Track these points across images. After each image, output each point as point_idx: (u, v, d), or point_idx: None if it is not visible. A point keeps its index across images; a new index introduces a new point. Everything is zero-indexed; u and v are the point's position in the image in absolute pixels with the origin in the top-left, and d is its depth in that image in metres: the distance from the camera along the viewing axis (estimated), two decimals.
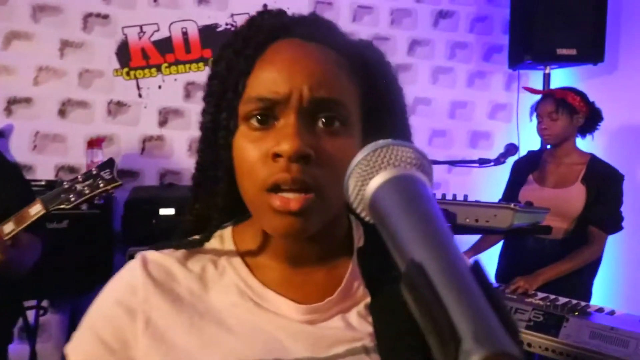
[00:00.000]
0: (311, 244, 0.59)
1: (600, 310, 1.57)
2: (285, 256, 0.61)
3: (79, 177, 1.38)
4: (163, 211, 2.19)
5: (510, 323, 0.28)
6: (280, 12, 0.62)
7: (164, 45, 2.69)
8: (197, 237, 0.63)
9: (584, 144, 2.22)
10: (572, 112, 2.02)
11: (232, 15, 2.78)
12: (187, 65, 2.73)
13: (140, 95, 2.68)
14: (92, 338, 0.58)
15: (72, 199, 1.35)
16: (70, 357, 0.59)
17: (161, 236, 2.41)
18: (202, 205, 0.63)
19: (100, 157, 2.47)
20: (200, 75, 2.74)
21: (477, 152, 3.09)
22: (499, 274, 2.20)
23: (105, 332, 0.58)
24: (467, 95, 3.17)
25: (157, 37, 2.68)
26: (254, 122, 0.55)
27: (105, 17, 2.61)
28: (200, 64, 2.75)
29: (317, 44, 0.57)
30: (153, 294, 0.58)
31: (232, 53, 0.58)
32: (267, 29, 0.58)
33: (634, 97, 2.69)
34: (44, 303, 2.36)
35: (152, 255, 0.61)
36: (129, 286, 0.59)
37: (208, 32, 2.75)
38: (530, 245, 2.04)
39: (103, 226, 2.32)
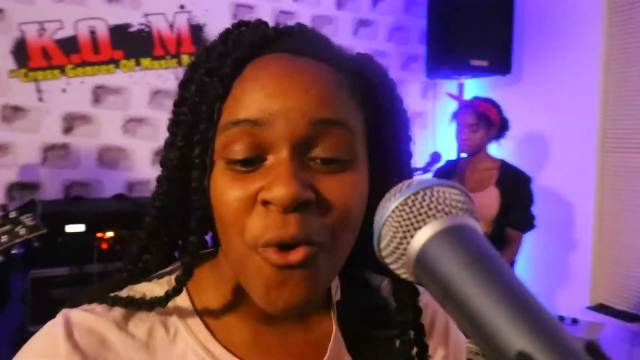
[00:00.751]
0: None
1: None
2: (258, 313, 0.48)
3: None
4: (70, 228, 1.98)
5: None
6: (262, 23, 0.50)
7: (69, 45, 2.46)
8: (145, 292, 0.49)
9: (493, 148, 2.36)
10: (489, 125, 2.14)
11: (146, 15, 2.61)
12: (96, 67, 2.52)
13: (41, 99, 2.42)
14: None
15: None
16: None
17: (68, 257, 2.17)
18: (154, 255, 0.50)
19: None
20: (111, 78, 2.54)
21: None
22: None
23: None
24: None
25: (60, 35, 2.44)
26: (235, 156, 0.43)
27: None
28: (111, 66, 2.55)
29: (310, 58, 0.45)
30: None
31: (204, 74, 0.46)
32: (247, 42, 0.46)
33: (537, 106, 2.89)
34: None
35: (79, 316, 0.47)
36: None
37: (119, 32, 2.56)
38: None
39: None
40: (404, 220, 0.31)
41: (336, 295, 0.53)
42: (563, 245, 2.80)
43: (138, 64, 2.60)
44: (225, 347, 0.47)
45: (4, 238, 1.17)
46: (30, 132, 2.41)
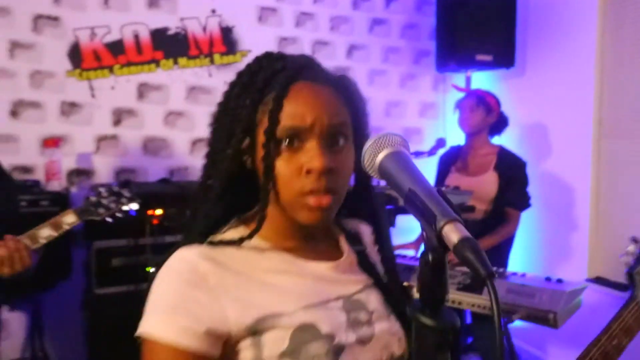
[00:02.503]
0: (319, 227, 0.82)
1: (514, 274, 1.91)
2: (301, 236, 0.80)
3: (103, 192, 1.50)
4: (125, 206, 2.30)
5: (453, 207, 0.54)
6: (282, 56, 0.78)
7: (116, 47, 2.78)
8: (219, 239, 0.77)
9: (498, 138, 2.60)
10: (488, 110, 2.38)
11: (182, 19, 2.92)
12: (140, 67, 2.84)
13: (93, 96, 2.75)
14: (177, 313, 0.68)
15: (101, 212, 1.47)
16: (159, 331, 0.67)
17: (122, 230, 2.54)
18: (215, 212, 0.78)
19: (57, 156, 2.54)
20: (153, 76, 2.86)
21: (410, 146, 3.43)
22: None
23: (191, 307, 0.69)
24: (400, 95, 3.50)
25: (108, 39, 2.77)
26: (285, 144, 0.72)
27: (56, 19, 2.66)
28: (152, 65, 2.86)
29: (322, 85, 0.76)
30: (220, 273, 0.72)
31: (255, 91, 0.75)
32: (284, 74, 0.74)
33: (539, 96, 3.12)
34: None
35: (196, 249, 0.74)
36: (198, 273, 0.71)
37: (159, 35, 2.87)
38: None
39: None
40: (372, 149, 0.64)
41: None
42: (563, 224, 3.03)
43: (176, 63, 2.91)
44: (292, 255, 0.79)
45: (112, 205, 1.49)
46: (85, 125, 2.74)
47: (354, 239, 0.88)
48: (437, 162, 2.63)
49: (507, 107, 2.57)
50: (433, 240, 0.52)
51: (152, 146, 2.89)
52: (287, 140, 0.72)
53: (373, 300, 0.82)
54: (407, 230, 2.65)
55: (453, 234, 0.50)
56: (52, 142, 2.56)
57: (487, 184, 2.35)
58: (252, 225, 0.77)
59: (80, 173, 2.73)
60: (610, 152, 2.78)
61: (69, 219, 1.47)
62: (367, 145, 0.64)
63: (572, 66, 2.91)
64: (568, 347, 2.73)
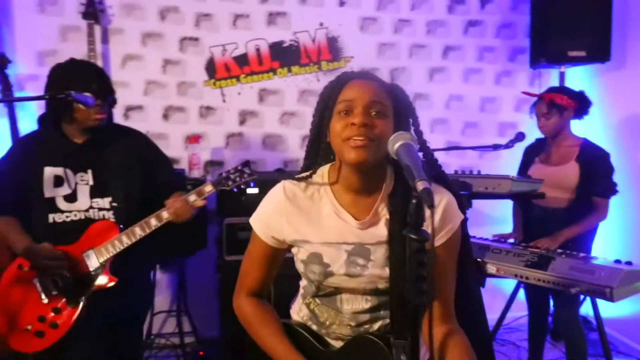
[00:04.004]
0: (365, 180, 1.16)
1: (587, 256, 2.07)
2: (350, 187, 1.18)
3: (230, 170, 2.02)
4: (249, 190, 2.82)
5: (428, 175, 0.90)
6: (352, 72, 1.22)
7: (242, 60, 3.35)
8: (307, 174, 1.23)
9: (588, 128, 2.67)
10: (561, 110, 2.50)
11: (295, 33, 3.40)
12: (260, 75, 3.38)
13: (224, 101, 3.35)
14: (263, 226, 1.23)
15: (230, 184, 2.00)
16: (254, 227, 1.25)
17: (246, 209, 3.13)
18: (310, 160, 1.25)
19: (197, 150, 3.16)
20: (271, 83, 3.39)
21: (505, 140, 3.59)
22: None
23: (269, 226, 1.23)
24: (495, 92, 3.67)
25: (236, 53, 3.34)
26: (342, 113, 1.13)
27: (196, 39, 3.29)
28: (270, 74, 3.39)
29: (370, 81, 1.17)
30: (288, 205, 1.21)
31: (329, 89, 1.20)
32: (348, 75, 1.19)
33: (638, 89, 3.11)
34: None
35: (288, 184, 1.24)
36: (278, 201, 1.22)
37: (276, 47, 3.39)
38: (536, 213, 2.58)
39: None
40: (393, 140, 1.01)
41: (389, 187, 1.21)
42: None
43: (289, 71, 3.41)
44: (339, 203, 1.20)
45: (237, 178, 1.99)
46: (218, 124, 3.35)
47: (401, 198, 1.16)
48: (522, 153, 2.81)
49: (604, 100, 2.63)
50: (414, 189, 0.88)
51: (270, 141, 3.43)
52: (343, 112, 1.13)
53: (379, 252, 1.17)
54: (480, 213, 2.88)
55: (419, 185, 0.85)
56: (193, 139, 3.20)
57: (569, 173, 2.49)
58: (333, 173, 1.22)
59: (214, 164, 3.34)
60: None
61: (208, 188, 1.98)
62: (391, 137, 1.01)
63: None
64: None
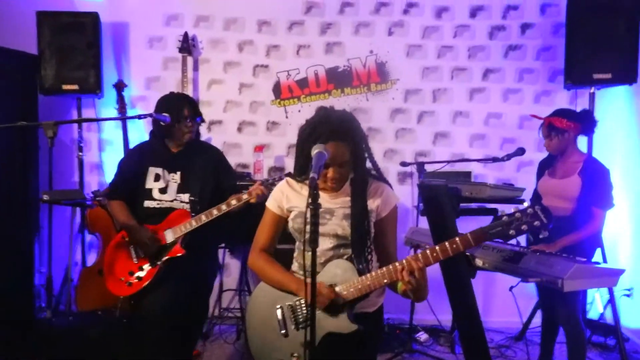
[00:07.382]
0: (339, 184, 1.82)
1: (557, 254, 2.35)
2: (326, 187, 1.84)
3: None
4: None
5: (320, 169, 1.53)
6: (327, 121, 1.74)
7: (302, 83, 4.00)
8: (298, 178, 1.88)
9: (616, 149, 2.84)
10: (561, 132, 2.78)
11: (348, 59, 3.98)
12: (317, 96, 4.00)
13: (287, 117, 4.02)
14: (273, 201, 1.94)
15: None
16: (267, 203, 1.96)
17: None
18: (299, 170, 1.86)
19: (261, 157, 3.85)
20: (326, 102, 3.99)
21: (542, 155, 3.85)
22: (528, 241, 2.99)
23: (277, 200, 1.93)
24: (534, 110, 3.92)
25: (298, 77, 4.00)
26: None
27: (266, 66, 4.00)
28: (326, 94, 3.99)
29: (337, 141, 1.69)
30: (287, 188, 1.93)
31: (309, 134, 1.75)
32: (324, 130, 1.71)
33: None
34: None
35: (289, 178, 1.97)
36: (282, 186, 1.96)
37: (331, 72, 3.99)
38: None
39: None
40: (314, 150, 1.60)
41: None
42: None
43: (342, 92, 3.99)
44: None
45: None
46: (281, 136, 4.02)
47: (358, 188, 1.84)
48: (537, 167, 3.11)
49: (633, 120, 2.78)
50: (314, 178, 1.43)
51: None
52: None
53: (339, 213, 1.79)
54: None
55: (313, 174, 1.41)
56: (259, 148, 3.89)
57: (570, 186, 2.77)
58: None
59: (276, 169, 4.01)
60: None
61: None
62: (314, 148, 1.58)
63: None
64: None
